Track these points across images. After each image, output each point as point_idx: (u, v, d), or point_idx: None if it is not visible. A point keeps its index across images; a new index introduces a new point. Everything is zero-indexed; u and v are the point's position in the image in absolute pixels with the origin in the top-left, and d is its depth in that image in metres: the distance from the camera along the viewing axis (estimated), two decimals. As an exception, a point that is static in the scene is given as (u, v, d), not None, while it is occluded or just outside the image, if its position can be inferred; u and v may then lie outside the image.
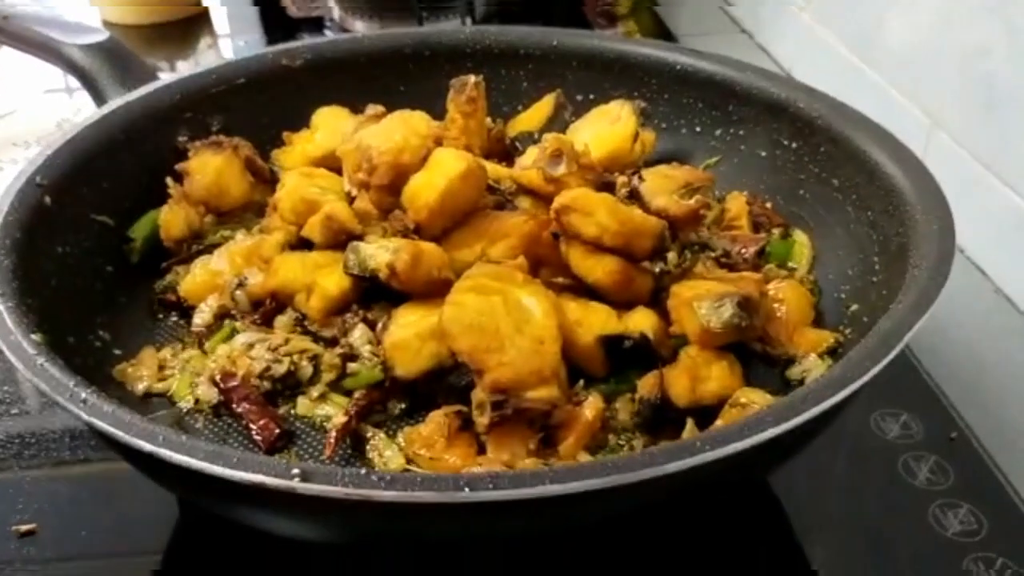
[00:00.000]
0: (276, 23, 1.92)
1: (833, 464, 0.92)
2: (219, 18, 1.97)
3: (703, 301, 0.81)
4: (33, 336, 0.71)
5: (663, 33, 1.95)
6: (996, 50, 1.17)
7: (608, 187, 0.93)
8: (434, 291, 0.83)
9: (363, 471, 0.58)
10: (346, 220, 0.90)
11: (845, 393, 0.64)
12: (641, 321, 0.83)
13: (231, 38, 1.91)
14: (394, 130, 0.92)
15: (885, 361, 0.66)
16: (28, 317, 0.75)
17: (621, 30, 1.98)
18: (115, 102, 1.01)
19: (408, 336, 0.80)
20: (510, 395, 0.74)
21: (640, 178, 0.94)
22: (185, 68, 1.86)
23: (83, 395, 0.65)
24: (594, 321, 0.83)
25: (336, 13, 1.82)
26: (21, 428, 0.96)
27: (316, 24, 1.86)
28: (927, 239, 0.81)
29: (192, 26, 1.94)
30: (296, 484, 0.57)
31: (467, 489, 0.57)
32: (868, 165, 0.94)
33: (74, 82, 1.15)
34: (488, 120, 1.11)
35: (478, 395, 0.76)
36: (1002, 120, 1.17)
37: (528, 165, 0.93)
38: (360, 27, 1.78)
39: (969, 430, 0.96)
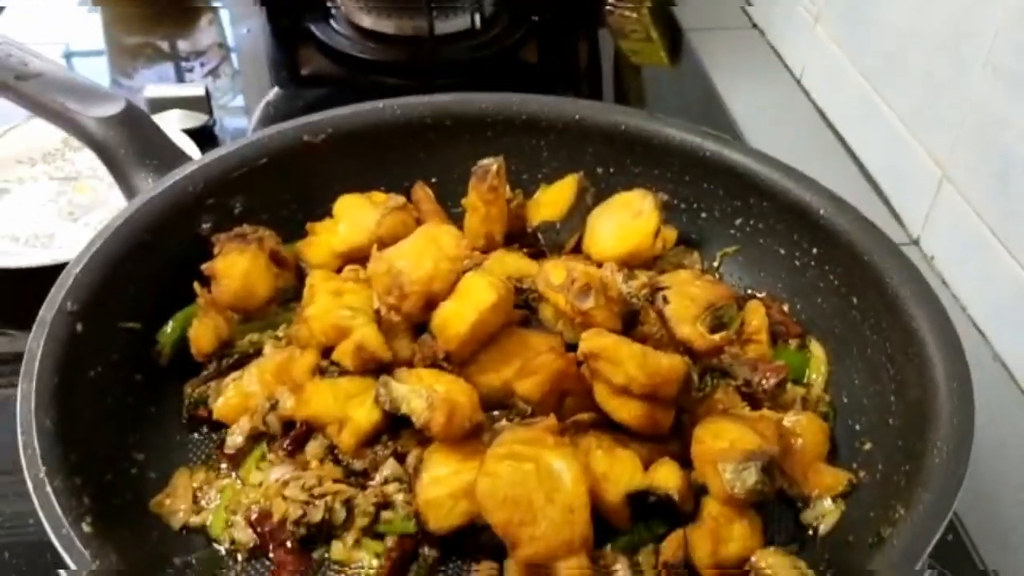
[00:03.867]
0: (279, 7, 1.86)
1: None
2: (220, -4, 1.93)
3: (728, 463, 0.83)
4: (84, 527, 0.73)
5: (671, 25, 1.91)
6: (1017, 125, 1.17)
7: (634, 316, 0.94)
8: (465, 436, 0.85)
9: None
10: (376, 349, 0.91)
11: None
12: (667, 478, 0.85)
13: (233, 26, 1.86)
14: (424, 254, 0.92)
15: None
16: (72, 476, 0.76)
17: (632, 18, 1.94)
18: (137, 201, 0.98)
19: (441, 495, 0.82)
20: (542, 569, 0.78)
21: (665, 300, 0.95)
22: (185, 47, 1.83)
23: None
24: (621, 474, 0.85)
25: (343, 5, 1.76)
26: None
27: (321, 12, 1.80)
28: (946, 408, 0.82)
29: (191, 3, 1.89)
30: None
31: None
32: (888, 296, 0.94)
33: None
34: (508, 191, 1.12)
35: (511, 568, 0.79)
36: (1015, 194, 1.17)
37: (556, 286, 0.93)
38: (368, 22, 1.73)
39: (962, 526, 1.00)
